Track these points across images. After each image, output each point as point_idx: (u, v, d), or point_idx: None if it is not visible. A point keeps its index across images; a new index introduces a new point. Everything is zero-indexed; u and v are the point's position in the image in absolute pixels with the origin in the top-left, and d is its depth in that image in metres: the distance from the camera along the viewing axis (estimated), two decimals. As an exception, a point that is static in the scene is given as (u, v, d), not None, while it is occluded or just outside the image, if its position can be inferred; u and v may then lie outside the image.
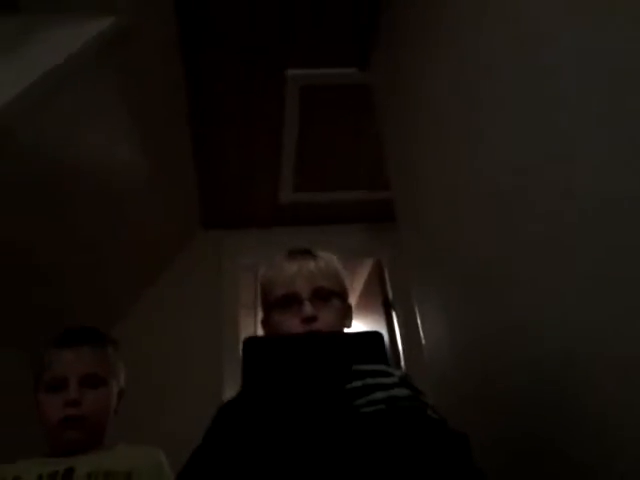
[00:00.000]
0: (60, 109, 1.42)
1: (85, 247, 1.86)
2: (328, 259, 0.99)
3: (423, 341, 1.64)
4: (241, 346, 0.75)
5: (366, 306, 2.98)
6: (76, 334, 1.08)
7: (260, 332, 1.05)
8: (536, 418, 0.93)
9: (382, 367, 0.71)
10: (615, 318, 0.71)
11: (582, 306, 0.79)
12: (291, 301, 0.91)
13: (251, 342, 0.75)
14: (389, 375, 0.70)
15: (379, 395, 0.67)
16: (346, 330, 0.96)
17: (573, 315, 0.82)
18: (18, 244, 1.52)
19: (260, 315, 1.02)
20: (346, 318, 0.98)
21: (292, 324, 0.88)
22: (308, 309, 0.88)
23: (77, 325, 1.12)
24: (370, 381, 0.68)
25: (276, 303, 0.93)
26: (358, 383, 0.68)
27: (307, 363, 0.72)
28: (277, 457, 0.66)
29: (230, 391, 2.22)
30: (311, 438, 0.67)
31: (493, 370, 1.11)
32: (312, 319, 0.88)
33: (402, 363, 2.46)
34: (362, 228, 2.80)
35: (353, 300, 3.03)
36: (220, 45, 1.86)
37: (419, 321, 1.68)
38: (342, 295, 0.97)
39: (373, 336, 0.75)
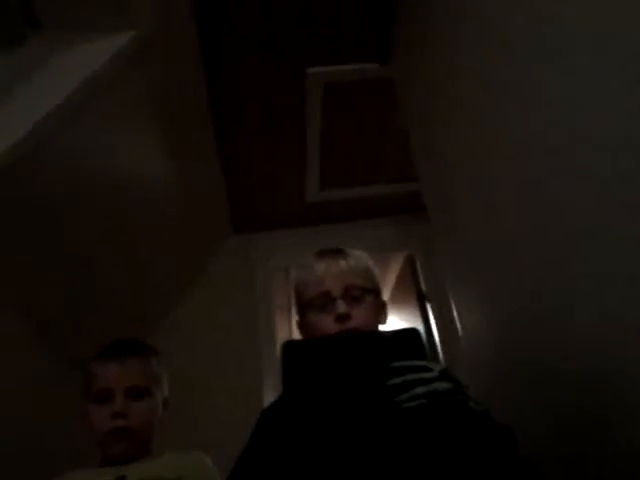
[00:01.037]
0: (88, 127, 1.45)
1: (121, 257, 1.90)
2: (358, 256, 0.99)
3: (460, 332, 1.63)
4: (279, 350, 0.76)
5: (400, 300, 2.96)
6: (120, 346, 1.11)
7: (296, 333, 1.06)
8: (578, 401, 0.91)
9: (421, 362, 0.71)
10: None
11: (615, 292, 0.78)
12: (324, 301, 0.91)
13: (290, 346, 0.76)
14: (429, 370, 0.70)
15: (421, 390, 0.67)
16: (382, 327, 0.96)
17: (608, 301, 0.80)
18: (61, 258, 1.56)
19: (295, 316, 1.03)
20: (381, 315, 0.98)
21: (326, 324, 0.88)
22: (341, 307, 0.88)
23: (120, 337, 1.15)
24: (410, 377, 0.68)
25: (310, 304, 0.93)
26: (398, 379, 0.68)
27: (346, 363, 0.72)
28: (324, 457, 0.66)
29: (269, 393, 2.24)
30: (356, 436, 0.67)
31: (532, 357, 1.09)
32: (346, 317, 0.88)
33: (440, 356, 2.44)
34: (391, 222, 2.78)
35: (386, 295, 3.02)
36: (240, 46, 1.87)
37: (455, 312, 1.66)
38: (375, 292, 0.96)
39: (410, 333, 0.75)
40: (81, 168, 1.51)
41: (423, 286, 2.67)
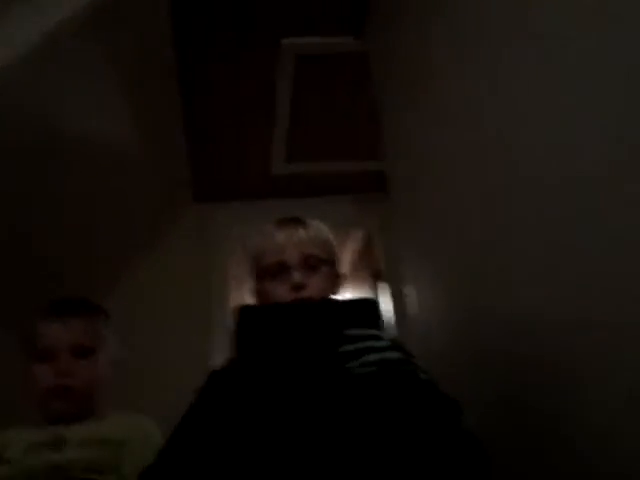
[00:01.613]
0: (49, 77, 1.38)
1: (73, 217, 1.84)
2: (317, 227, 0.99)
3: (412, 312, 1.66)
4: (234, 314, 0.75)
5: (356, 278, 2.99)
6: (66, 305, 1.08)
7: (250, 302, 1.05)
8: (526, 386, 0.94)
9: (373, 331, 0.72)
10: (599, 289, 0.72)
11: (560, 274, 0.80)
12: (280, 269, 0.91)
13: (245, 310, 0.75)
14: (381, 339, 0.71)
15: (371, 358, 0.68)
16: (337, 298, 0.96)
17: (554, 282, 0.82)
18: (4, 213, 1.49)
19: (249, 287, 1.02)
20: (336, 286, 0.98)
21: (281, 292, 0.88)
22: (297, 277, 0.88)
23: (67, 296, 1.11)
24: (362, 345, 0.69)
25: (266, 271, 0.93)
26: (350, 347, 0.69)
27: (299, 329, 0.72)
28: (270, 420, 0.66)
29: (219, 362, 2.22)
30: (303, 400, 0.68)
31: (484, 340, 1.12)
32: (301, 287, 0.88)
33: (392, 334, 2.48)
34: (353, 199, 2.79)
35: (343, 272, 3.04)
36: (211, 12, 1.81)
37: (408, 292, 1.69)
38: (332, 263, 0.97)
39: (365, 302, 0.76)
40: (41, 124, 1.45)
41: (379, 265, 2.70)
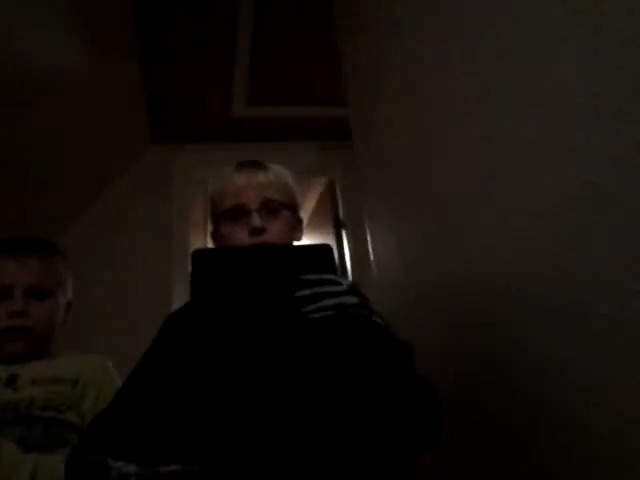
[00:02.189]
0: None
1: (26, 156, 1.75)
2: (278, 171, 0.97)
3: (372, 260, 1.68)
4: (190, 259, 0.74)
5: (317, 225, 3.00)
6: (23, 243, 1.05)
7: (210, 246, 1.04)
8: (477, 334, 0.98)
9: (331, 276, 0.72)
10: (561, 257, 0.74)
11: (519, 227, 0.82)
12: (240, 213, 0.90)
13: (200, 254, 0.74)
14: (338, 284, 0.72)
15: (328, 302, 0.68)
16: (296, 243, 0.96)
17: (509, 231, 0.84)
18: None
19: (209, 227, 1.01)
20: (296, 231, 0.98)
21: (240, 236, 0.88)
22: (256, 220, 0.87)
23: (25, 235, 1.08)
24: (319, 289, 0.70)
25: (225, 215, 0.91)
26: (306, 291, 0.70)
27: (255, 274, 0.72)
28: (225, 362, 0.67)
29: (178, 305, 2.22)
30: (259, 343, 0.69)
31: (440, 288, 1.16)
32: (260, 231, 0.87)
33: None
34: (316, 146, 2.75)
35: (304, 219, 3.04)
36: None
37: (369, 240, 1.71)
38: (292, 208, 0.96)
39: (322, 248, 0.76)
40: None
41: (341, 213, 2.72)
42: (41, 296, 1.02)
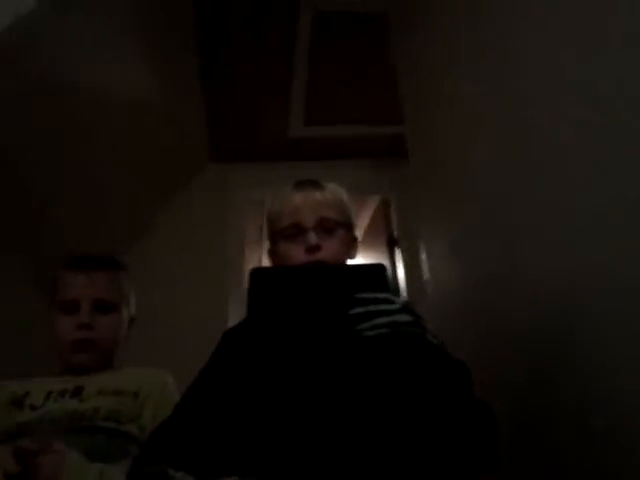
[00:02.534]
0: (68, 32, 1.37)
1: (91, 175, 1.84)
2: (334, 190, 0.98)
3: (426, 279, 1.65)
4: (247, 277, 0.76)
5: (371, 243, 2.99)
6: (90, 259, 1.09)
7: (266, 264, 1.06)
8: (537, 352, 0.95)
9: (384, 295, 0.72)
10: (614, 253, 0.71)
11: (583, 242, 0.79)
12: (296, 231, 0.91)
13: (257, 272, 0.76)
14: (391, 302, 0.71)
15: (382, 320, 0.68)
16: (350, 262, 0.97)
17: (574, 251, 0.82)
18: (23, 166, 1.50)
19: (266, 246, 1.03)
20: (351, 249, 0.98)
21: (297, 254, 0.89)
22: (312, 238, 0.88)
23: (90, 251, 1.13)
24: (373, 307, 0.70)
25: (282, 233, 0.93)
26: (361, 309, 0.70)
27: (311, 292, 0.73)
28: (281, 378, 0.68)
29: (233, 322, 2.24)
30: (314, 361, 0.69)
31: (497, 307, 1.12)
32: (316, 248, 0.88)
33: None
34: (370, 164, 2.75)
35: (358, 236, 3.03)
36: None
37: (423, 260, 1.69)
38: (347, 226, 0.96)
39: (376, 268, 0.76)
40: (59, 77, 1.44)
41: (395, 231, 2.69)
42: (106, 310, 1.05)
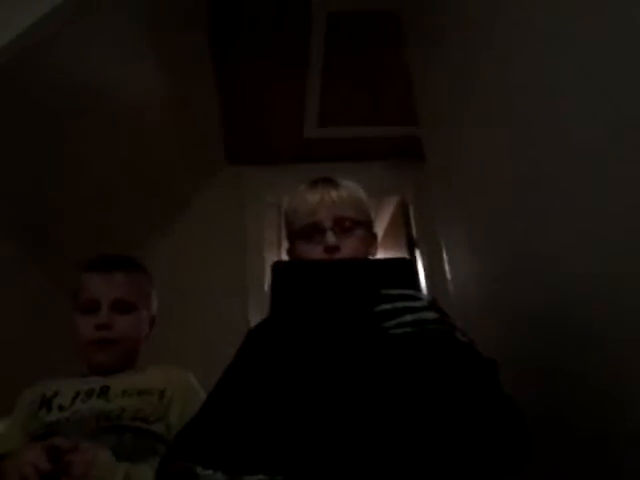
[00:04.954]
0: (82, 33, 1.39)
1: (107, 176, 1.86)
2: (351, 188, 0.97)
3: (448, 281, 1.64)
4: (270, 270, 0.75)
5: (390, 245, 2.98)
6: (109, 260, 1.10)
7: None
8: (561, 350, 0.94)
9: (411, 291, 0.71)
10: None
11: (603, 236, 0.79)
12: (314, 231, 0.90)
13: (280, 266, 0.75)
14: (418, 299, 0.71)
15: (408, 318, 0.68)
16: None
17: (595, 248, 0.81)
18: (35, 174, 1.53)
19: (285, 245, 1.03)
20: (371, 247, 0.97)
21: (315, 254, 0.88)
22: (330, 238, 0.88)
23: (109, 252, 1.14)
24: (399, 304, 0.69)
25: (299, 233, 0.93)
26: (387, 306, 0.69)
27: (336, 286, 0.72)
28: (307, 376, 0.68)
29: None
30: (340, 358, 0.69)
31: (520, 307, 1.11)
32: (335, 248, 0.87)
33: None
34: (388, 165, 2.74)
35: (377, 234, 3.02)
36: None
37: (445, 260, 1.67)
38: (366, 224, 0.95)
39: (403, 262, 0.75)
40: (73, 78, 1.46)
41: (414, 232, 2.68)
42: (126, 310, 1.06)
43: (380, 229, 3.11)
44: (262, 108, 2.44)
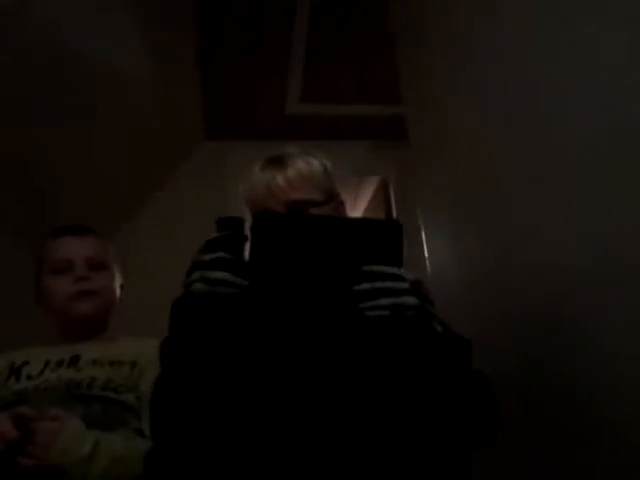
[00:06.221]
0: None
1: (84, 149, 1.82)
2: (299, 167, 0.87)
3: (427, 261, 1.65)
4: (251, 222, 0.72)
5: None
6: (79, 225, 1.11)
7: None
8: (536, 334, 0.95)
9: (394, 270, 0.69)
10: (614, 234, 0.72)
11: (581, 224, 0.80)
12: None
13: (263, 217, 0.72)
14: (400, 280, 0.68)
15: (386, 301, 0.66)
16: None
17: (572, 234, 0.83)
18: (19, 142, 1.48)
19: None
20: (338, 215, 0.90)
21: None
22: None
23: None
24: (379, 285, 0.66)
25: None
26: (367, 285, 0.67)
27: (321, 245, 0.68)
28: (276, 352, 0.67)
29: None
30: (312, 337, 0.68)
31: (497, 289, 1.12)
32: None
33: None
34: (370, 145, 2.73)
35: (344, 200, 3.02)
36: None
37: (424, 240, 1.68)
38: (327, 197, 0.88)
39: (391, 226, 0.72)
40: (58, 47, 1.43)
41: (394, 213, 2.68)
42: (99, 267, 1.07)
43: (360, 208, 3.11)
44: (244, 83, 2.39)
